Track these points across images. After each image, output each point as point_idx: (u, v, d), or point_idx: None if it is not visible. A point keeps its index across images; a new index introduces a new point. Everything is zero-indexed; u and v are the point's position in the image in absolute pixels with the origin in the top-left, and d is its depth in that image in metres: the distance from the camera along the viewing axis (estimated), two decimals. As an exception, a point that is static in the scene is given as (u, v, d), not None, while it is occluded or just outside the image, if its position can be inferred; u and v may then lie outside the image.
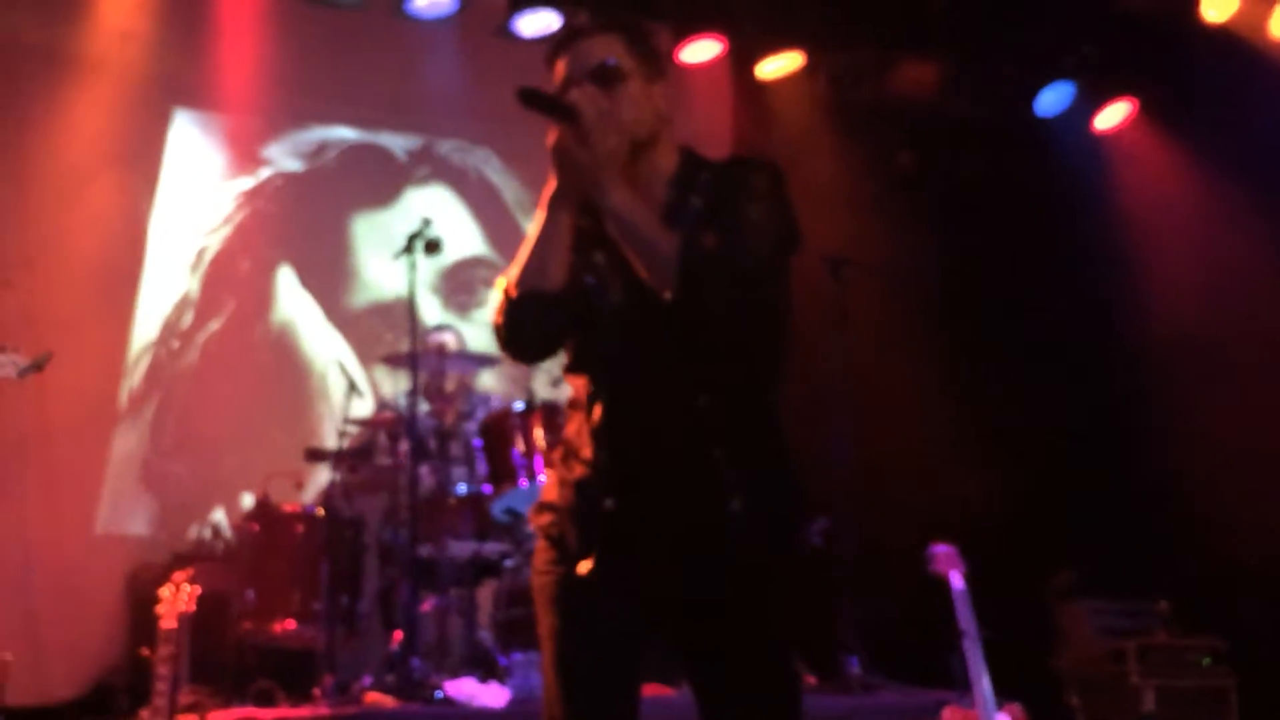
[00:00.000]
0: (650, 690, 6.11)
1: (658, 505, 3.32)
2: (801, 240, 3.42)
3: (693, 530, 3.31)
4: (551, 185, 3.37)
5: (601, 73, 3.38)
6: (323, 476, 8.27)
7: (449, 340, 7.87)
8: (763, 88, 10.24)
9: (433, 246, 7.46)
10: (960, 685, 6.25)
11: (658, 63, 3.49)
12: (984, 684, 6.09)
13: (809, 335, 8.39)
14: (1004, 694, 6.15)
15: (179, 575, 6.23)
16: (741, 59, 10.15)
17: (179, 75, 9.05)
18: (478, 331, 8.55)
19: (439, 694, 6.64)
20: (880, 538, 8.00)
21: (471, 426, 7.85)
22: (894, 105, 10.01)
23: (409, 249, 7.40)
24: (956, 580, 6.25)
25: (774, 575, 3.37)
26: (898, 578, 7.30)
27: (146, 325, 8.84)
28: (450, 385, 7.95)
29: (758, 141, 10.35)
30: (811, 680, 7.56)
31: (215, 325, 9.04)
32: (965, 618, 6.18)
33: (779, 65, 10.04)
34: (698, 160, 3.50)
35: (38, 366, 4.36)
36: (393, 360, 8.05)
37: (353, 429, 8.05)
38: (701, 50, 9.87)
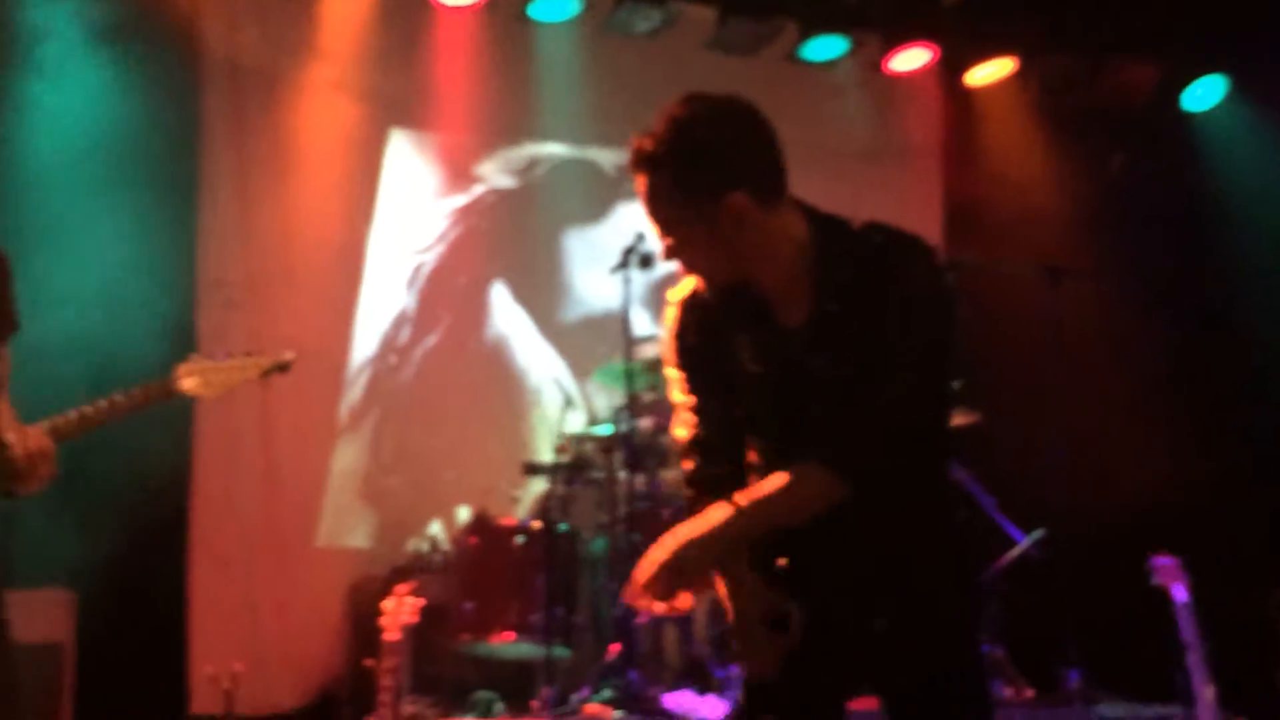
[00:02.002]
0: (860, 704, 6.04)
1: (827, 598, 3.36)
2: (957, 367, 3.34)
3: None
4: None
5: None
6: (538, 490, 8.34)
7: (648, 353, 7.89)
8: (972, 95, 10.15)
9: (646, 261, 7.51)
10: (1184, 699, 6.14)
11: (710, 192, 3.22)
12: (1208, 697, 5.96)
13: (1023, 344, 8.30)
14: (1229, 708, 6.01)
15: (401, 588, 6.31)
16: (951, 66, 10.07)
17: (395, 96, 9.20)
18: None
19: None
20: (1100, 549, 7.86)
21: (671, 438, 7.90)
22: (1107, 109, 9.88)
23: (624, 263, 7.46)
24: (1179, 593, 6.13)
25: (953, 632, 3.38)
26: (1119, 590, 7.17)
27: (365, 341, 9.00)
28: (650, 399, 7.98)
29: (967, 149, 10.26)
30: (1030, 693, 7.45)
31: (432, 340, 9.17)
32: (1188, 630, 6.06)
33: (989, 72, 9.96)
34: (830, 241, 3.33)
35: (280, 368, 4.46)
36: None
37: (569, 443, 8.10)
38: (911, 59, 9.82)
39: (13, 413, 4.16)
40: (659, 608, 3.30)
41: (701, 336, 3.48)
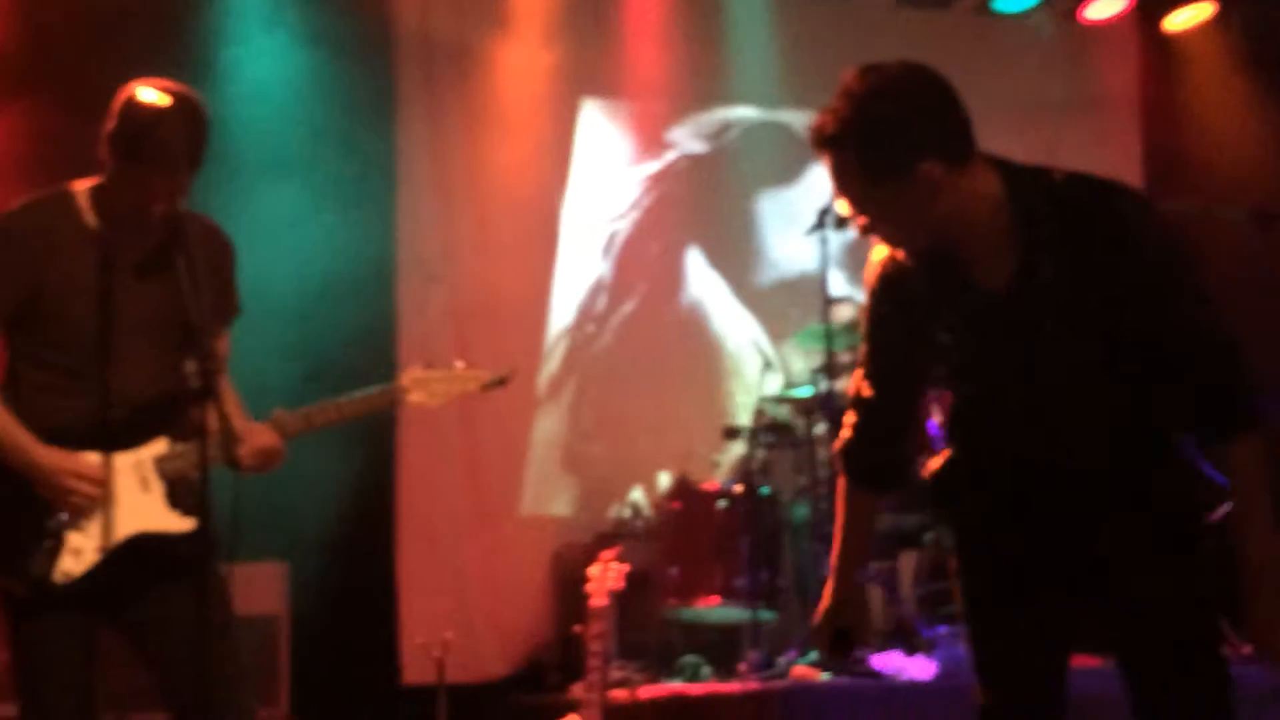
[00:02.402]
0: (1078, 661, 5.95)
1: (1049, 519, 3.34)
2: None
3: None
4: None
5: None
6: (737, 454, 8.32)
7: (846, 312, 7.83)
8: (1171, 41, 9.92)
9: (843, 221, 7.44)
10: None
11: (899, 165, 3.15)
12: None
13: (1233, 292, 8.07)
14: None
15: (606, 554, 6.35)
16: (1148, 13, 9.85)
17: (587, 64, 9.23)
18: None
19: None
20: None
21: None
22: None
23: (820, 224, 7.42)
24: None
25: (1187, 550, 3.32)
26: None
27: (562, 311, 9.05)
28: (847, 358, 7.93)
29: (1166, 97, 10.04)
30: (1246, 650, 7.27)
31: (628, 308, 9.19)
32: None
33: (1188, 17, 9.72)
34: (1028, 197, 3.25)
35: (500, 382, 4.54)
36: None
37: (767, 406, 8.08)
38: (1106, 6, 9.63)
39: (237, 398, 4.25)
40: None
41: (894, 306, 3.44)
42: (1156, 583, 3.27)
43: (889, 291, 3.44)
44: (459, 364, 4.51)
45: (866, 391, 3.52)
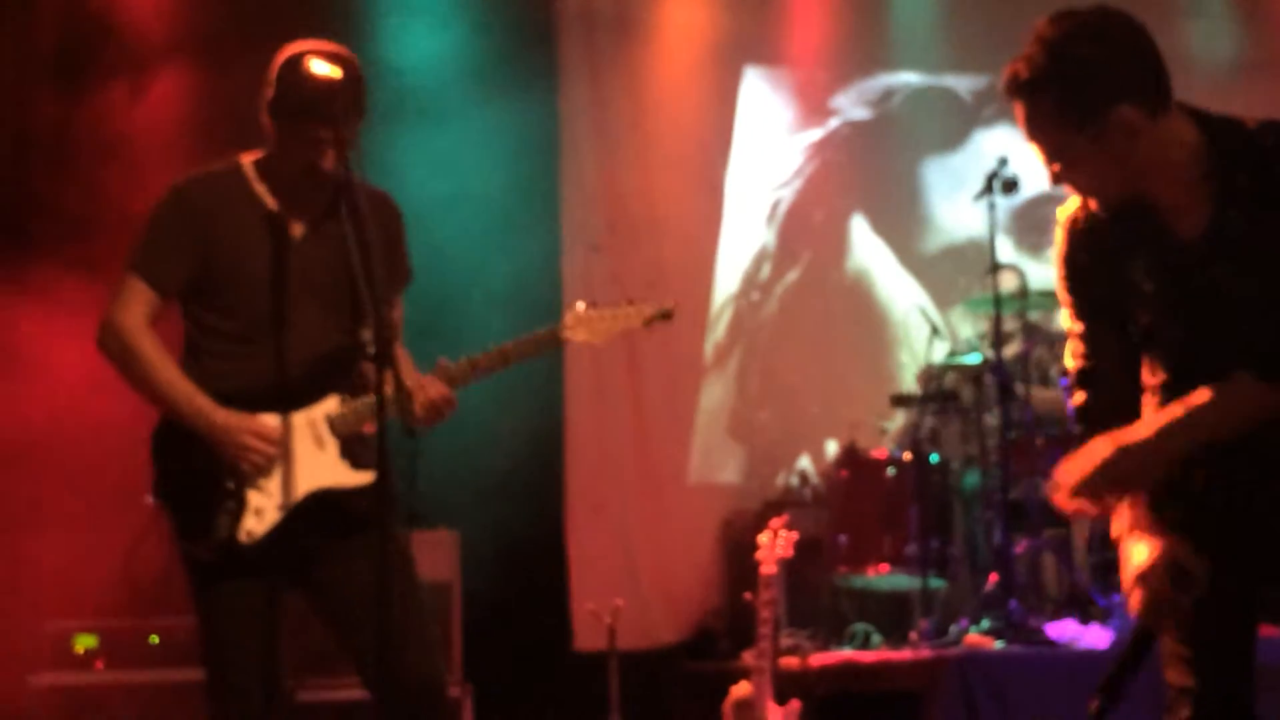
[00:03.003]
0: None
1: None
2: None
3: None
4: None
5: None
6: (905, 421, 8.30)
7: (1011, 280, 7.76)
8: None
9: (1010, 186, 7.40)
10: None
11: (1097, 109, 3.12)
12: None
13: None
14: None
15: (775, 521, 6.36)
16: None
17: (748, 33, 9.21)
18: (1050, 270, 8.39)
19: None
20: None
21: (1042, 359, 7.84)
22: None
23: (988, 189, 7.36)
24: None
25: None
26: None
27: (727, 279, 9.05)
28: (1013, 325, 7.85)
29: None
30: None
31: (793, 276, 9.17)
32: None
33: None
34: (1226, 144, 3.18)
35: (664, 315, 4.51)
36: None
37: (935, 373, 8.04)
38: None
39: (410, 360, 4.32)
40: (1086, 509, 3.25)
41: (1091, 257, 3.36)
42: None
43: (1084, 242, 3.37)
44: (622, 302, 4.51)
45: (1084, 362, 3.43)
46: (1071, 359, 3.46)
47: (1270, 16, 9.89)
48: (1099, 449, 3.20)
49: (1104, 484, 3.20)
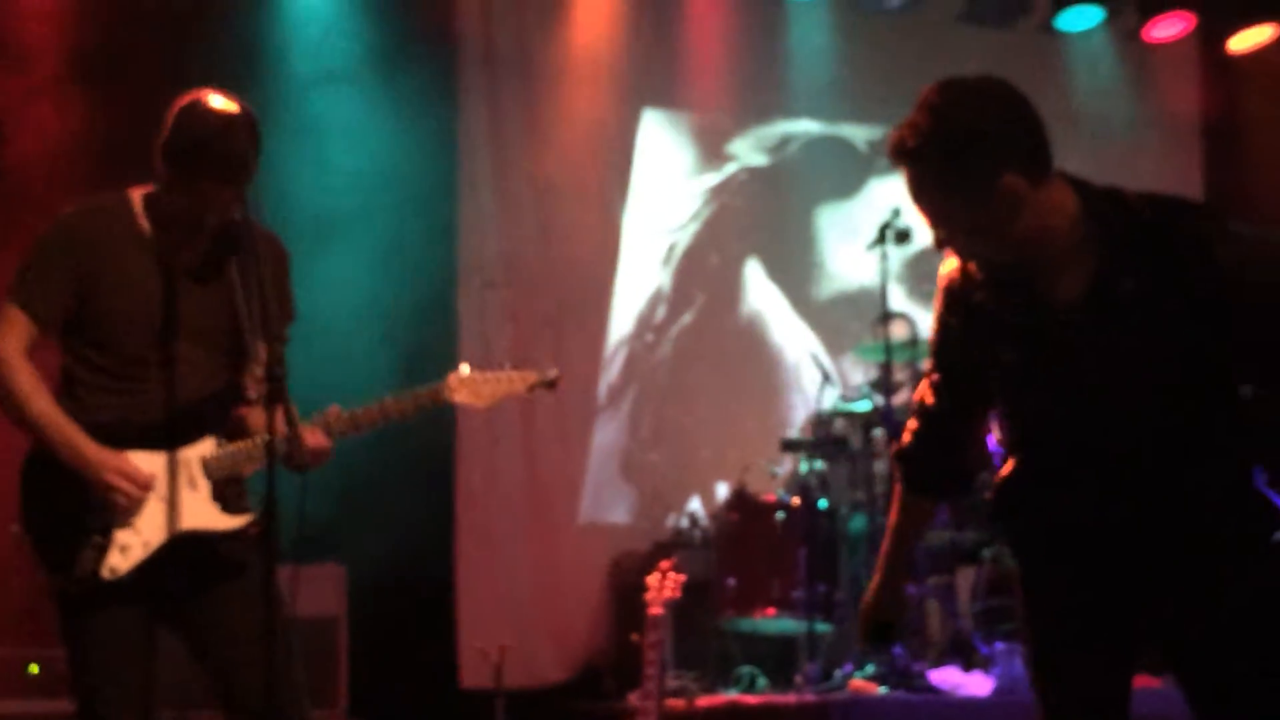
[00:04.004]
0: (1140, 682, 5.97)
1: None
2: None
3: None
4: None
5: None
6: (796, 466, 8.36)
7: (901, 329, 7.87)
8: (1234, 63, 9.90)
9: (903, 236, 7.50)
10: None
11: (981, 179, 3.14)
12: None
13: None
14: None
15: (664, 563, 6.38)
16: (1211, 34, 9.85)
17: (647, 76, 9.30)
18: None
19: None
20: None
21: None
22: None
23: (881, 238, 7.45)
24: None
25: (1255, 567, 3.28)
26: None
27: (622, 320, 9.11)
28: (903, 374, 7.95)
29: (1228, 119, 10.02)
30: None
31: (687, 319, 9.24)
32: None
33: (1250, 39, 9.71)
34: (1102, 211, 3.25)
35: (549, 384, 4.54)
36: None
37: (825, 419, 8.11)
38: (1170, 26, 9.64)
39: (290, 402, 4.29)
40: None
41: (961, 321, 3.43)
42: (1227, 600, 3.25)
43: (958, 303, 3.44)
44: (507, 366, 4.53)
45: (930, 399, 3.54)
46: (917, 396, 3.57)
47: (1158, 75, 10.09)
48: None
49: None
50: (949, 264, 3.46)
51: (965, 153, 3.14)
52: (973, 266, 3.37)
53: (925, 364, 3.60)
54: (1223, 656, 3.28)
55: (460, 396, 4.37)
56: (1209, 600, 3.27)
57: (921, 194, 3.23)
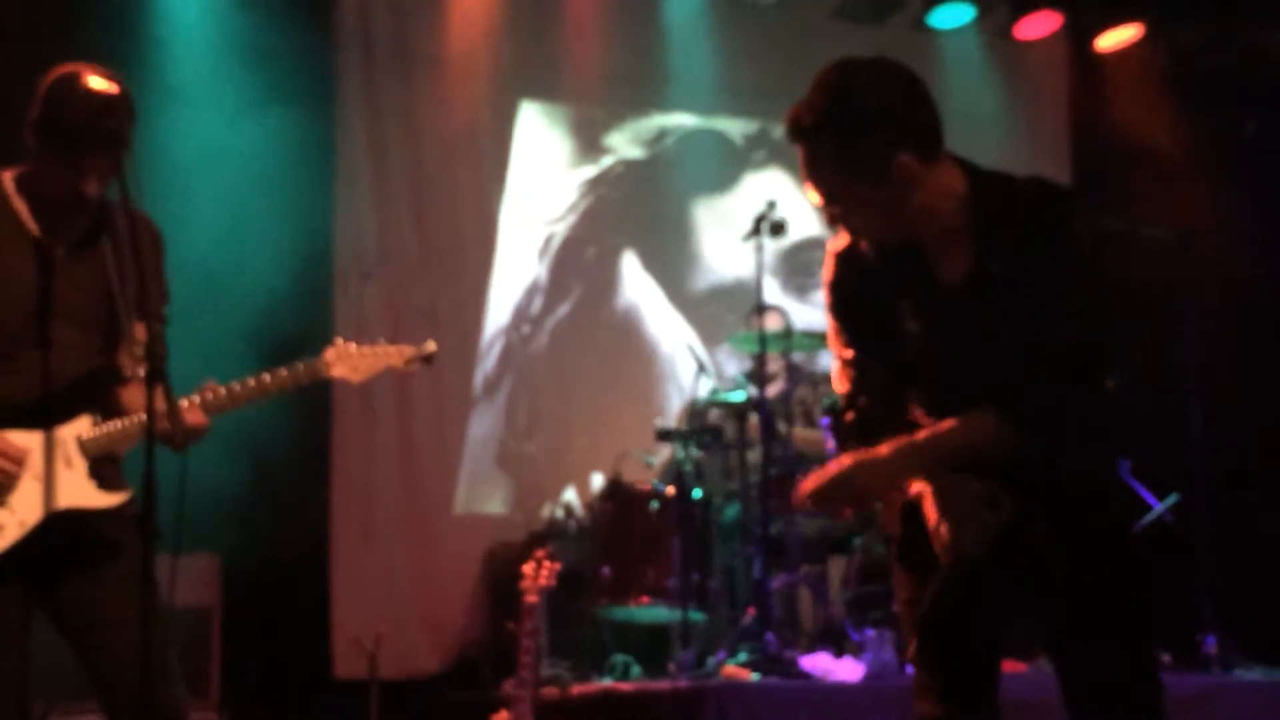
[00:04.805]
0: (1008, 667, 6.08)
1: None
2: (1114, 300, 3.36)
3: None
4: None
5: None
6: (671, 456, 8.41)
7: (776, 321, 7.93)
8: (1101, 61, 10.09)
9: (778, 228, 7.55)
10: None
11: (876, 157, 3.24)
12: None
13: (1159, 309, 8.26)
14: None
15: (539, 552, 6.41)
16: (1079, 33, 10.03)
17: (525, 68, 9.33)
18: (815, 312, 8.60)
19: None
20: (1240, 515, 7.82)
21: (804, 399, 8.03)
22: (1236, 75, 9.77)
23: (756, 231, 7.51)
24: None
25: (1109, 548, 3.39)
26: (1256, 555, 7.14)
27: (498, 311, 9.11)
28: (777, 365, 8.03)
29: (1095, 116, 10.21)
30: (1167, 659, 7.43)
31: (563, 310, 9.28)
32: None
33: (1117, 38, 9.89)
34: (986, 195, 3.34)
35: (426, 357, 4.53)
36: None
37: (700, 409, 8.17)
38: (1038, 25, 9.79)
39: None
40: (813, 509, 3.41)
41: (860, 290, 3.50)
42: (1091, 582, 3.35)
43: (853, 275, 3.51)
44: (382, 341, 4.53)
45: (852, 388, 3.57)
46: (839, 383, 3.60)
47: (1029, 73, 10.25)
48: (841, 462, 3.33)
49: (839, 492, 3.35)
50: (834, 244, 3.53)
51: (861, 131, 3.22)
52: (866, 244, 3.44)
53: (832, 346, 3.61)
54: (1085, 642, 3.37)
55: (337, 371, 4.37)
56: (1073, 586, 3.36)
57: (816, 172, 3.31)
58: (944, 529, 3.32)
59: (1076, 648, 3.40)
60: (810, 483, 3.38)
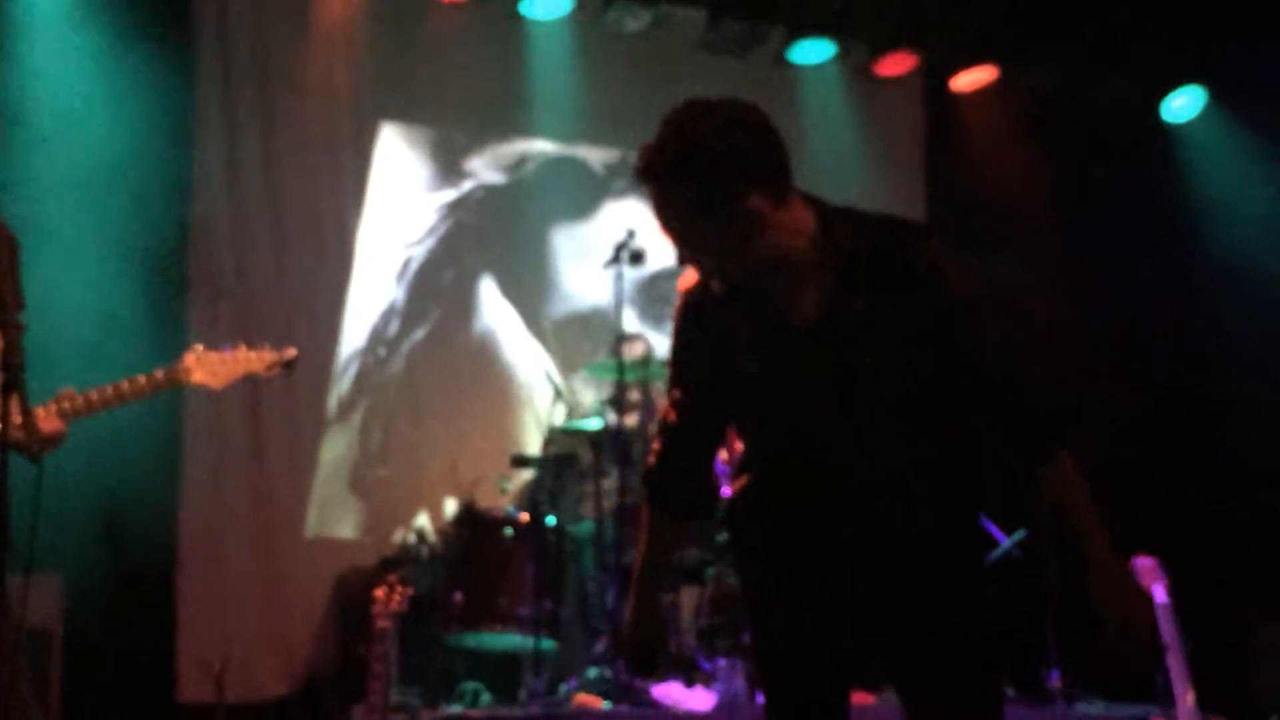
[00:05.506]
0: (857, 699, 6.13)
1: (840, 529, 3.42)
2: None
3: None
4: None
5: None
6: (525, 482, 8.40)
7: (637, 349, 7.96)
8: (957, 101, 10.25)
9: (637, 257, 7.57)
10: (1163, 700, 6.21)
11: (727, 199, 3.23)
12: (1188, 699, 6.03)
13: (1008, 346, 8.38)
14: (1207, 710, 6.08)
15: (391, 577, 6.36)
16: (936, 73, 10.19)
17: (386, 89, 9.28)
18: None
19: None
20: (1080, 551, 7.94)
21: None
22: (1088, 119, 9.98)
23: (616, 259, 7.53)
24: (1159, 594, 6.20)
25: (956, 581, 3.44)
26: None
27: (354, 333, 9.04)
28: (636, 394, 8.05)
29: (951, 155, 10.36)
30: (1011, 692, 7.54)
31: (420, 333, 9.22)
32: (1168, 631, 6.13)
33: (973, 79, 10.06)
34: (838, 232, 3.35)
35: (287, 364, 4.49)
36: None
37: (556, 437, 8.17)
38: (896, 64, 9.92)
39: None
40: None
41: (702, 332, 3.51)
42: (940, 615, 3.40)
43: (697, 319, 3.51)
44: (242, 346, 4.47)
45: (673, 417, 3.60)
46: (661, 415, 3.64)
47: (886, 113, 10.38)
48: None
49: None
50: (686, 280, 3.53)
51: (710, 174, 3.21)
52: (715, 284, 3.43)
53: (668, 380, 3.64)
54: (929, 672, 3.41)
55: (197, 376, 4.32)
56: (919, 622, 3.40)
57: (665, 213, 3.29)
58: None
59: (921, 678, 3.43)
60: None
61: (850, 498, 3.38)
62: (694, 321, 3.53)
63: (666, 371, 3.66)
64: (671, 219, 3.30)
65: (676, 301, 3.58)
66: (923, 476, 3.39)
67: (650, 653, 3.69)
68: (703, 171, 3.22)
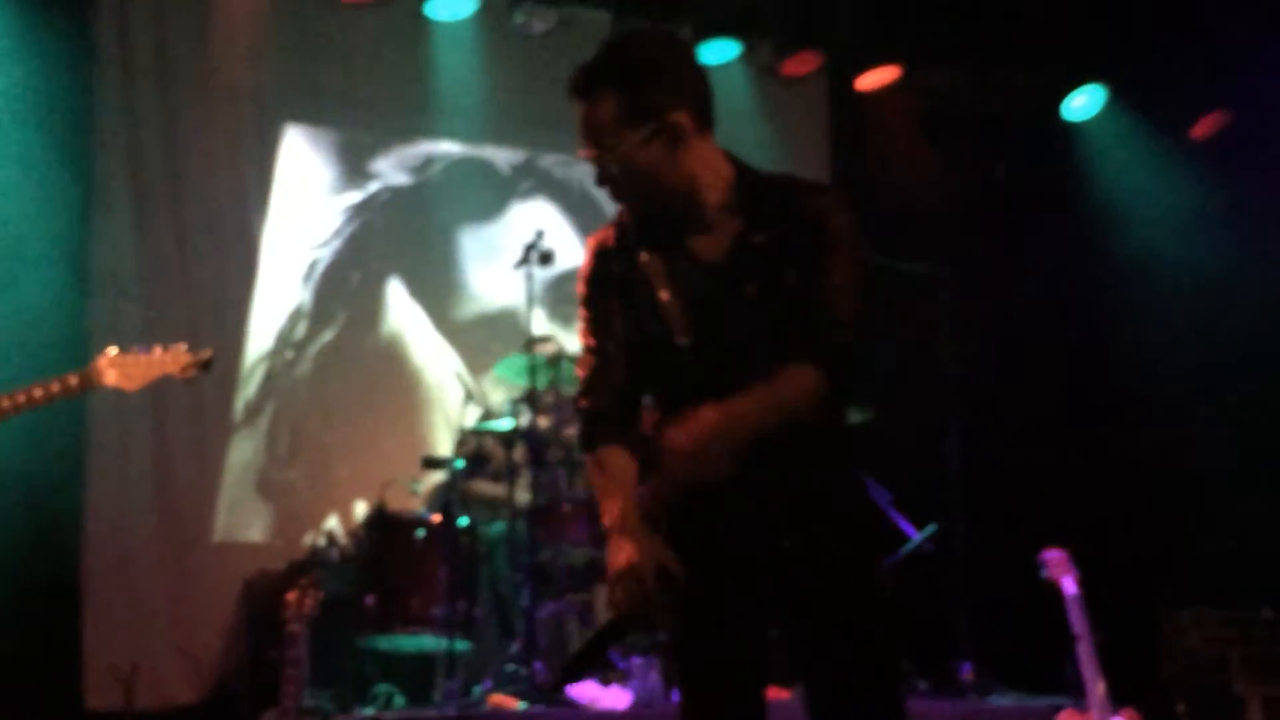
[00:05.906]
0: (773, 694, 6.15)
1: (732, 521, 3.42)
2: (872, 272, 3.47)
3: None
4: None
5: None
6: (437, 484, 8.37)
7: (548, 350, 7.97)
8: (861, 100, 10.31)
9: (546, 258, 7.59)
10: (1075, 690, 6.28)
11: (653, 108, 3.32)
12: (1099, 689, 6.11)
13: (916, 343, 8.46)
14: (1118, 700, 6.16)
15: (303, 581, 6.31)
16: (841, 72, 10.24)
17: (290, 90, 9.22)
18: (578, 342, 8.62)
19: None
20: (992, 543, 8.03)
21: (572, 434, 7.98)
22: (989, 117, 10.08)
23: (525, 259, 7.52)
24: (1069, 585, 6.28)
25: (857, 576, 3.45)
26: (1010, 583, 7.32)
27: (260, 337, 8.97)
28: (549, 395, 8.04)
29: (854, 152, 10.42)
30: (923, 685, 7.60)
31: (327, 336, 9.16)
32: (1078, 623, 6.21)
33: (876, 78, 10.12)
34: (751, 179, 3.47)
35: (203, 364, 4.45)
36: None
37: (468, 437, 8.15)
38: (801, 63, 9.97)
39: None
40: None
41: (612, 275, 3.54)
42: (837, 603, 3.40)
43: (611, 262, 3.55)
44: (156, 348, 4.44)
45: (593, 374, 3.56)
46: (580, 369, 3.62)
47: (791, 112, 10.42)
48: (707, 416, 3.24)
49: (717, 448, 3.25)
50: (600, 232, 3.59)
51: (642, 82, 3.33)
52: (628, 212, 3.50)
53: (581, 331, 3.62)
54: (829, 664, 3.41)
55: (111, 379, 4.28)
56: (820, 607, 3.41)
57: (594, 124, 3.36)
58: (615, 591, 3.32)
59: (821, 670, 3.44)
60: (684, 438, 3.23)
61: (748, 465, 3.32)
62: (607, 265, 3.56)
63: (578, 330, 3.64)
64: (595, 131, 3.36)
65: (585, 254, 3.61)
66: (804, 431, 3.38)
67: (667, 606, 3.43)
68: (632, 79, 3.33)
